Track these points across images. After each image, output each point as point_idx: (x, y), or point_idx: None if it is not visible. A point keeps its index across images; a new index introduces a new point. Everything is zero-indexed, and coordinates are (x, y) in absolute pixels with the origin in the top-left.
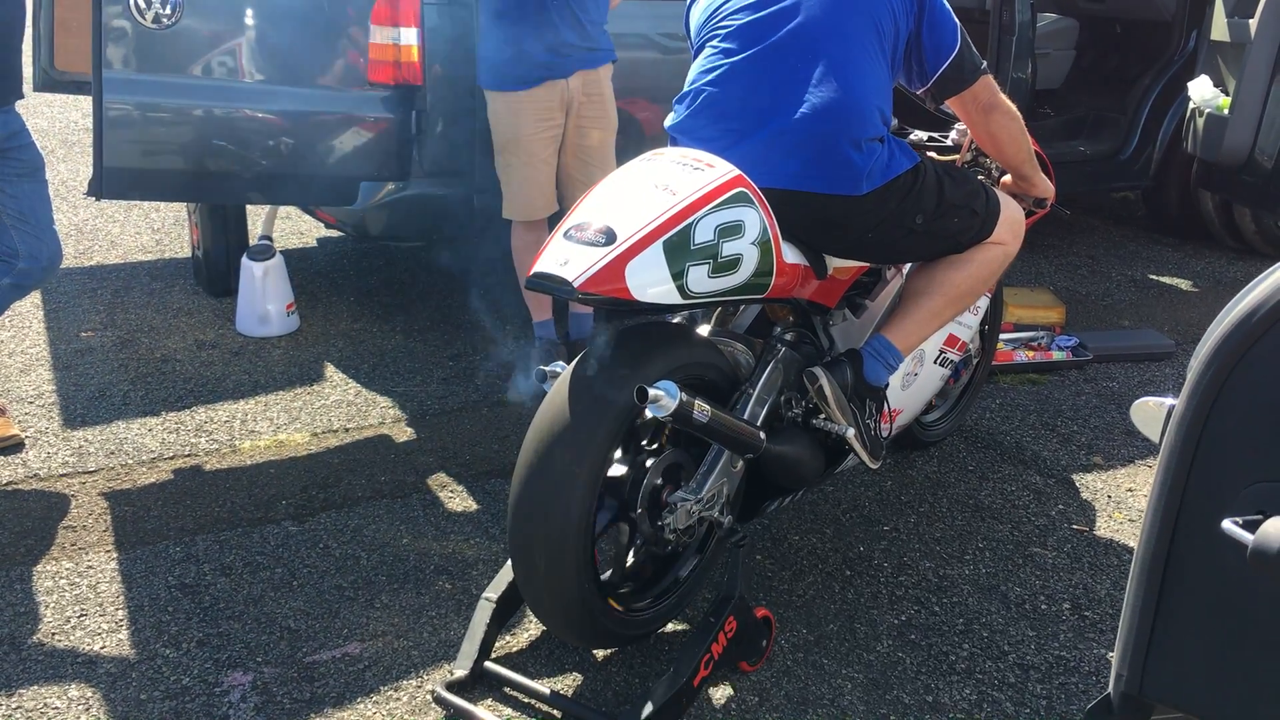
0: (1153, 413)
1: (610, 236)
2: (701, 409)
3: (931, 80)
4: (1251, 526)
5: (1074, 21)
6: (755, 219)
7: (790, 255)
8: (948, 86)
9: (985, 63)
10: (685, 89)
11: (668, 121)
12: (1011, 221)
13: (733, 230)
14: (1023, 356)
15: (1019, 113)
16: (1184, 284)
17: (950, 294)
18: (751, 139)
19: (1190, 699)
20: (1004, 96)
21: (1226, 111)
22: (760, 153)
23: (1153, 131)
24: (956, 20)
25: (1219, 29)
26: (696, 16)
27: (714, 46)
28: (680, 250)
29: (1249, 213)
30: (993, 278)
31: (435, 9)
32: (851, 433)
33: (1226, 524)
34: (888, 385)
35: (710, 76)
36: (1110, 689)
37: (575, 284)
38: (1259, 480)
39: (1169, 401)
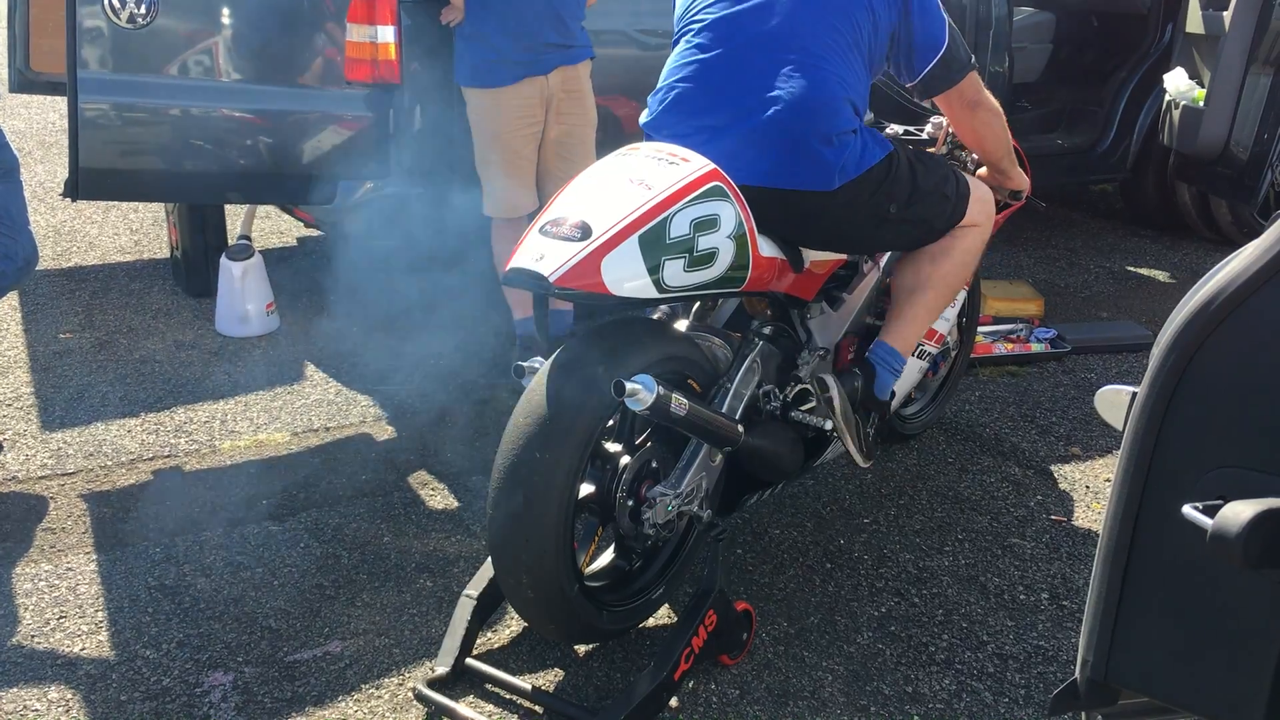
0: (1116, 400)
1: (586, 231)
2: (679, 402)
3: (920, 76)
4: (1211, 511)
5: (1051, 15)
6: (731, 213)
7: (766, 249)
8: (935, 83)
9: (973, 57)
10: (659, 85)
11: (642, 118)
12: (981, 200)
13: (708, 224)
14: (1002, 349)
15: (1001, 108)
16: (1161, 275)
17: (940, 286)
18: (724, 136)
19: (1155, 683)
20: (988, 93)
21: (1202, 104)
22: (732, 150)
23: (1130, 124)
24: (945, 15)
25: (1194, 21)
26: (679, 6)
27: (688, 42)
28: (656, 244)
29: (1225, 204)
30: (975, 261)
31: (412, 7)
32: (830, 426)
33: (1187, 509)
34: (893, 396)
35: (683, 73)
36: (1076, 675)
37: (551, 279)
38: (1219, 465)
39: (1132, 389)
